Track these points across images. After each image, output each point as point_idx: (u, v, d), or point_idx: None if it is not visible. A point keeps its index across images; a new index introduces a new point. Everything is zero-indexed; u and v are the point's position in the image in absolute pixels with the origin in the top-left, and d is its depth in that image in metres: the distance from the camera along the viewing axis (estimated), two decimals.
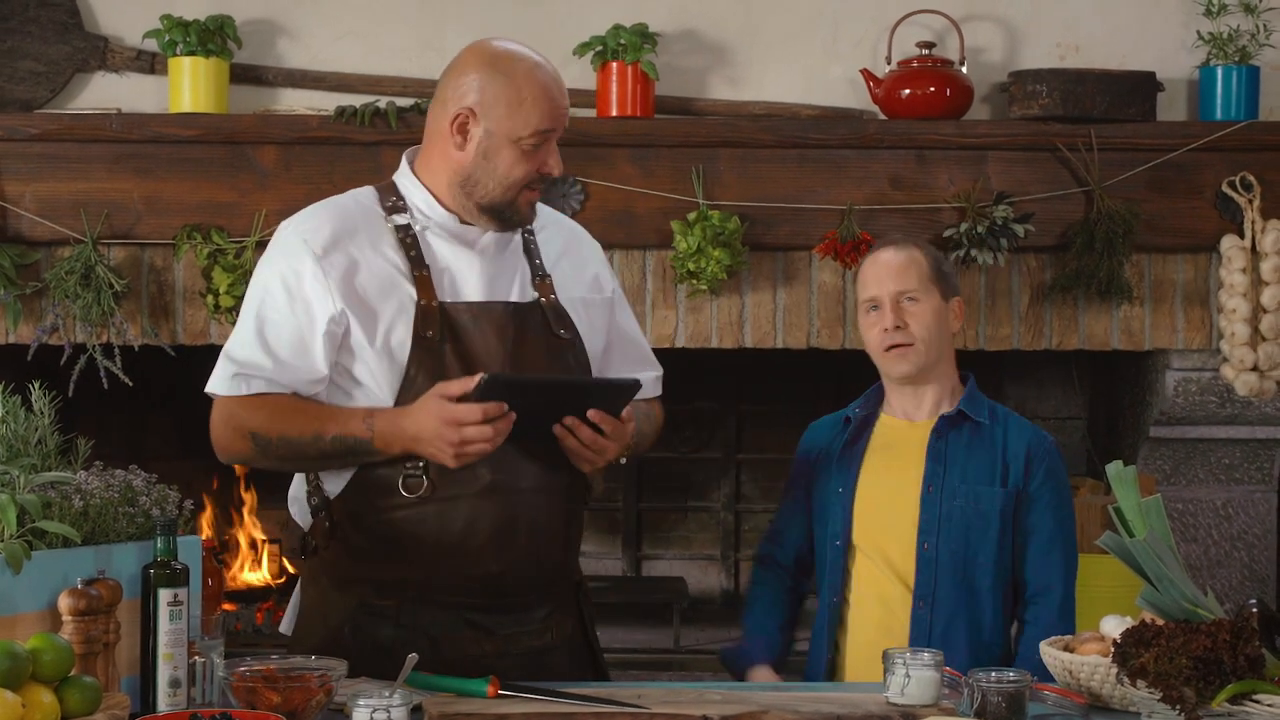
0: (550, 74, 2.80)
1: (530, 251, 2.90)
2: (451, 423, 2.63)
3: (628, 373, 2.95)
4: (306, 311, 2.75)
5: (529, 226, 2.89)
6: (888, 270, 3.14)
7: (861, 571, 3.12)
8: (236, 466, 5.29)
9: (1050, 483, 3.13)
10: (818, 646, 3.16)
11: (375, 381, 2.76)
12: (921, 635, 3.04)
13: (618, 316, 3.01)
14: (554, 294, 2.87)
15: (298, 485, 2.90)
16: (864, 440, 3.17)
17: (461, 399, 2.64)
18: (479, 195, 2.80)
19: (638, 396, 2.83)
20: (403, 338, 2.74)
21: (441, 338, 2.74)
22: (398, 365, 2.74)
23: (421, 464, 2.72)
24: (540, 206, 2.94)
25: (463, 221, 2.83)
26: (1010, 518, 3.09)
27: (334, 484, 2.81)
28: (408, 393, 2.73)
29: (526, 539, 2.78)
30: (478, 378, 2.64)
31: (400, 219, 2.82)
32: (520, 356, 2.79)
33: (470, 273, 2.81)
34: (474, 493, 2.74)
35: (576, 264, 2.96)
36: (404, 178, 2.87)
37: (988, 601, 3.09)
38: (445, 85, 2.82)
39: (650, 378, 3.01)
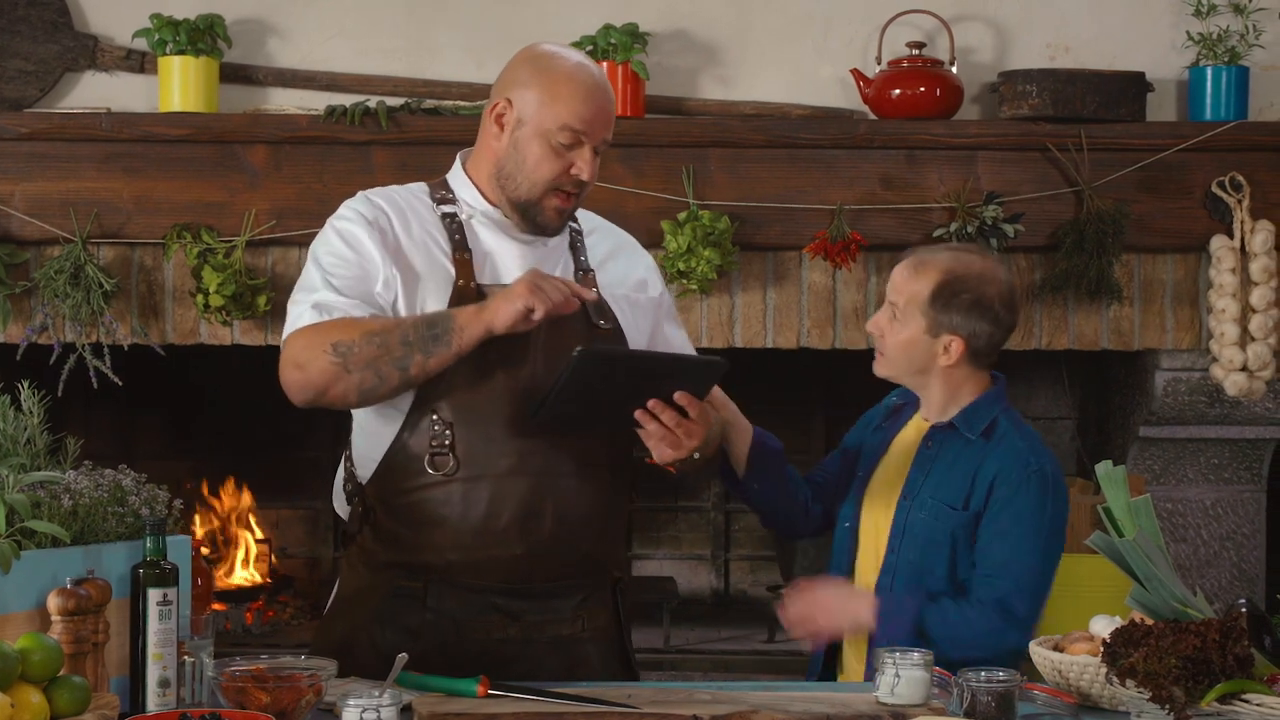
0: (593, 79, 2.81)
1: (576, 248, 2.93)
2: (539, 275, 2.69)
3: None
4: (371, 264, 2.78)
5: (576, 227, 2.93)
6: (896, 276, 3.10)
7: (858, 564, 3.12)
8: (230, 483, 5.29)
9: (1007, 511, 2.97)
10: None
11: None
12: (881, 639, 2.94)
13: (664, 326, 3.01)
14: (596, 287, 2.89)
15: (338, 476, 2.94)
16: (893, 432, 3.16)
17: (555, 375, 2.67)
18: (510, 189, 2.84)
19: None
20: None
21: None
22: None
23: (448, 441, 2.75)
24: (591, 215, 3.01)
25: (506, 215, 2.87)
26: (966, 541, 3.00)
27: (366, 468, 2.85)
28: (441, 375, 2.74)
29: (553, 524, 2.78)
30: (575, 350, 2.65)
31: (447, 208, 2.88)
32: (554, 342, 2.79)
33: (511, 260, 2.85)
34: (499, 473, 2.76)
35: (623, 266, 2.98)
36: (454, 174, 2.93)
37: None
38: (498, 79, 2.88)
39: None
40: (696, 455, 2.79)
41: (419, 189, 2.93)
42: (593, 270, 2.91)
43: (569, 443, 2.79)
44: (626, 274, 2.98)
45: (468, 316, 2.69)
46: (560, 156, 2.79)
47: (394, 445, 2.81)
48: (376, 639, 2.77)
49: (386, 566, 2.85)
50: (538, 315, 2.65)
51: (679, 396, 2.71)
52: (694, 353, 3.07)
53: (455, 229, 2.85)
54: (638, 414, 2.71)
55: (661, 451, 2.75)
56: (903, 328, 3.06)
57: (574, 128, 2.77)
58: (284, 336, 2.78)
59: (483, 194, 2.88)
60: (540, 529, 2.78)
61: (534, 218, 2.84)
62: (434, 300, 2.79)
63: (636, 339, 2.91)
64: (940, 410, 3.10)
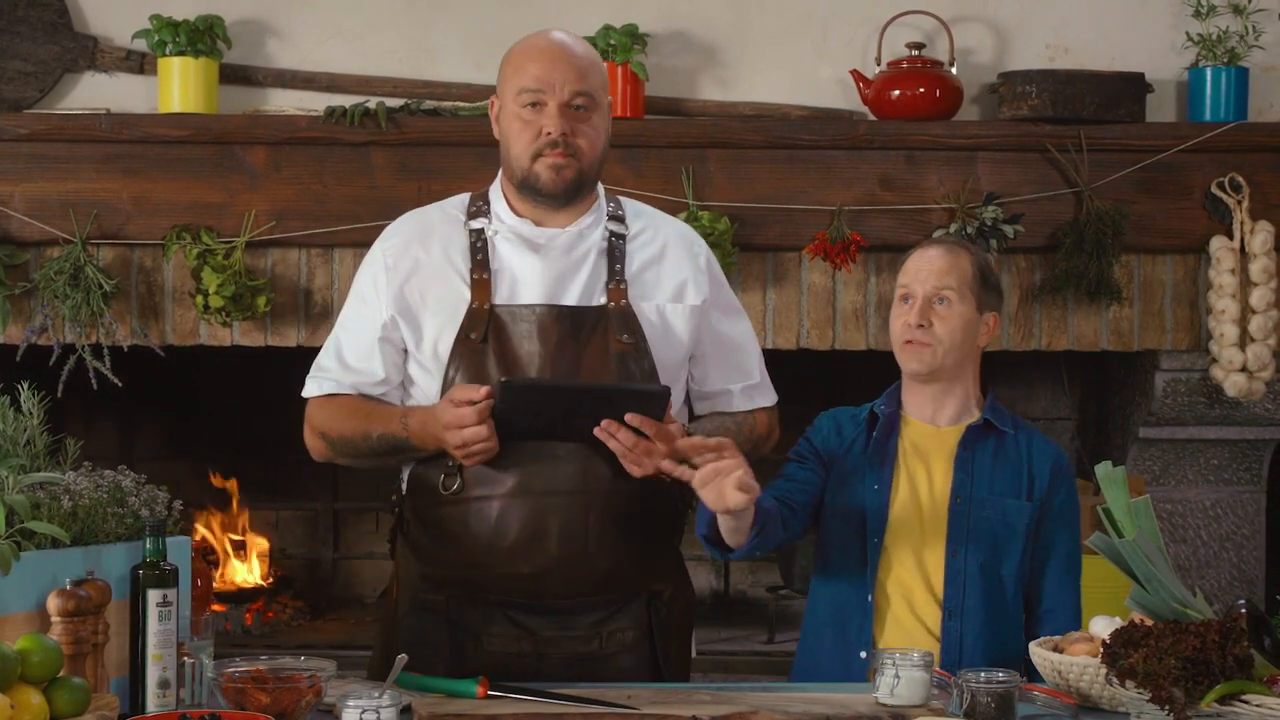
0: (545, 39, 2.84)
1: (614, 255, 2.90)
2: (451, 426, 2.70)
3: (718, 382, 2.99)
4: (371, 319, 2.89)
5: (620, 230, 2.92)
6: (930, 266, 3.09)
7: (894, 574, 3.06)
8: (216, 475, 5.29)
9: (1071, 503, 3.11)
10: (854, 643, 3.05)
11: (426, 381, 2.87)
12: (953, 647, 2.99)
13: (714, 324, 2.99)
14: (625, 299, 2.87)
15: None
16: (894, 439, 3.13)
17: (493, 403, 2.70)
18: (509, 174, 2.87)
19: (730, 408, 3.00)
20: (449, 340, 2.82)
21: (485, 339, 2.79)
22: (441, 366, 2.82)
23: (457, 463, 2.78)
24: (644, 209, 3.02)
25: (537, 225, 2.87)
26: (1033, 532, 3.07)
27: (405, 482, 2.92)
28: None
29: (559, 543, 2.78)
30: (495, 384, 2.71)
31: (477, 223, 2.90)
32: (562, 359, 2.80)
33: (531, 276, 2.85)
34: (503, 493, 2.78)
35: (665, 271, 2.95)
36: (494, 186, 2.95)
37: (1012, 614, 3.07)
38: None
39: (738, 389, 3.01)
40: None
41: (458, 203, 2.96)
42: (625, 282, 2.89)
43: (577, 461, 2.78)
44: (665, 280, 2.94)
45: (421, 440, 2.79)
46: (530, 123, 2.81)
47: (415, 465, 2.88)
48: (407, 649, 2.75)
49: (416, 577, 2.90)
50: (486, 455, 2.74)
51: (630, 418, 2.70)
52: (753, 343, 3.07)
53: (479, 247, 2.86)
54: (596, 432, 2.72)
55: (629, 468, 2.75)
56: (957, 310, 3.08)
57: (528, 88, 2.80)
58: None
59: (511, 205, 2.90)
60: (546, 548, 2.78)
61: (534, 187, 2.84)
62: (447, 327, 2.82)
63: (666, 351, 2.89)
64: (957, 410, 3.12)
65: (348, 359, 2.89)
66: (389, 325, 2.86)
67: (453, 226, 2.91)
